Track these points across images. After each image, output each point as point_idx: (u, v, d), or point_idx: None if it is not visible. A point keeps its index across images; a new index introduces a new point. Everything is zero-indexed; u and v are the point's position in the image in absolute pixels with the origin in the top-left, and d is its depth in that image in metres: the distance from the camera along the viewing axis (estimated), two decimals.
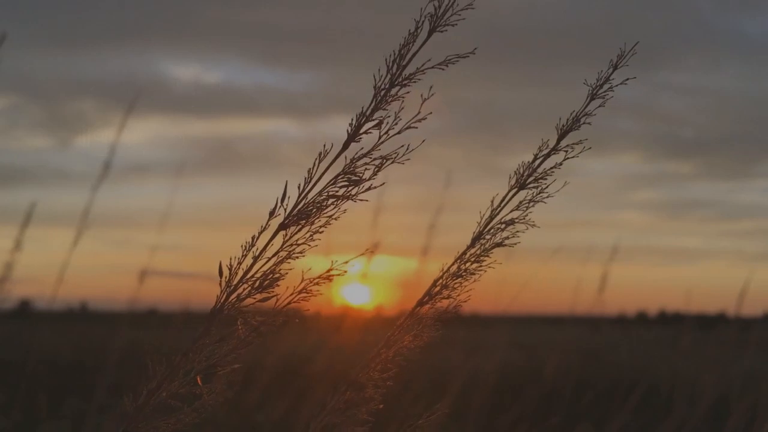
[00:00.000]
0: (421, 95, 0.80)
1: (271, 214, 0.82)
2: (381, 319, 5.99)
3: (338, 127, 0.83)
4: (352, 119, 0.82)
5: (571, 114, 1.06)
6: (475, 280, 1.08)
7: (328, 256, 0.87)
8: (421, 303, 1.08)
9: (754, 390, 4.89)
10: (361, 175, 0.82)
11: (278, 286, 0.83)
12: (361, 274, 4.27)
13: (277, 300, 0.83)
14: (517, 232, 1.07)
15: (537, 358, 7.50)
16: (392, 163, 0.81)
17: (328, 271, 0.83)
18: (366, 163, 0.82)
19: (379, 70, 0.81)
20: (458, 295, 1.08)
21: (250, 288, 0.83)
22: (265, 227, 0.82)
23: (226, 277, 0.82)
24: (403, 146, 0.81)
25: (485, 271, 1.07)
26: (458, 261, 1.08)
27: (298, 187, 0.82)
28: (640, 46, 1.04)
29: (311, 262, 0.84)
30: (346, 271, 0.82)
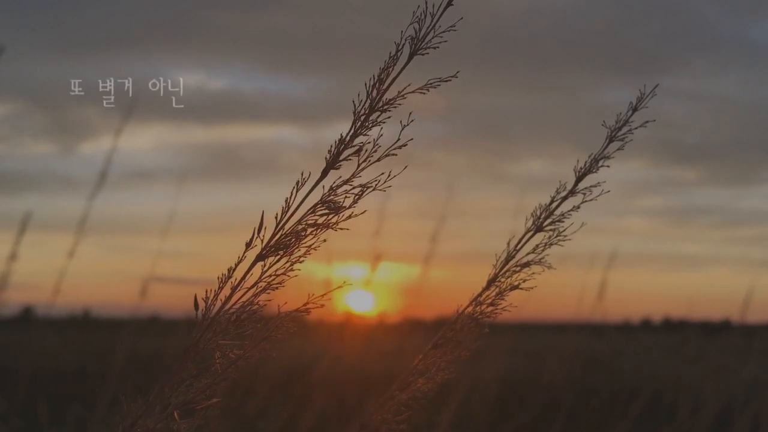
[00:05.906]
0: (401, 122, 0.78)
1: (248, 245, 0.80)
2: (384, 326, 5.96)
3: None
4: (331, 146, 0.79)
5: (589, 156, 1.03)
6: (491, 322, 1.06)
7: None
8: (436, 345, 1.07)
9: (758, 398, 4.85)
10: (340, 203, 0.79)
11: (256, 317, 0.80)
12: (364, 281, 4.25)
13: (253, 333, 0.80)
14: (533, 274, 1.05)
15: (540, 364, 7.47)
16: (373, 190, 0.78)
17: (305, 304, 0.81)
18: (346, 191, 0.80)
19: (358, 94, 0.79)
20: (471, 343, 1.06)
21: (227, 321, 0.80)
22: (241, 258, 0.80)
23: (202, 310, 0.80)
24: (383, 173, 0.78)
25: (501, 313, 1.06)
26: (473, 303, 1.06)
27: (275, 217, 0.80)
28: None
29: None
30: (323, 305, 0.80)
